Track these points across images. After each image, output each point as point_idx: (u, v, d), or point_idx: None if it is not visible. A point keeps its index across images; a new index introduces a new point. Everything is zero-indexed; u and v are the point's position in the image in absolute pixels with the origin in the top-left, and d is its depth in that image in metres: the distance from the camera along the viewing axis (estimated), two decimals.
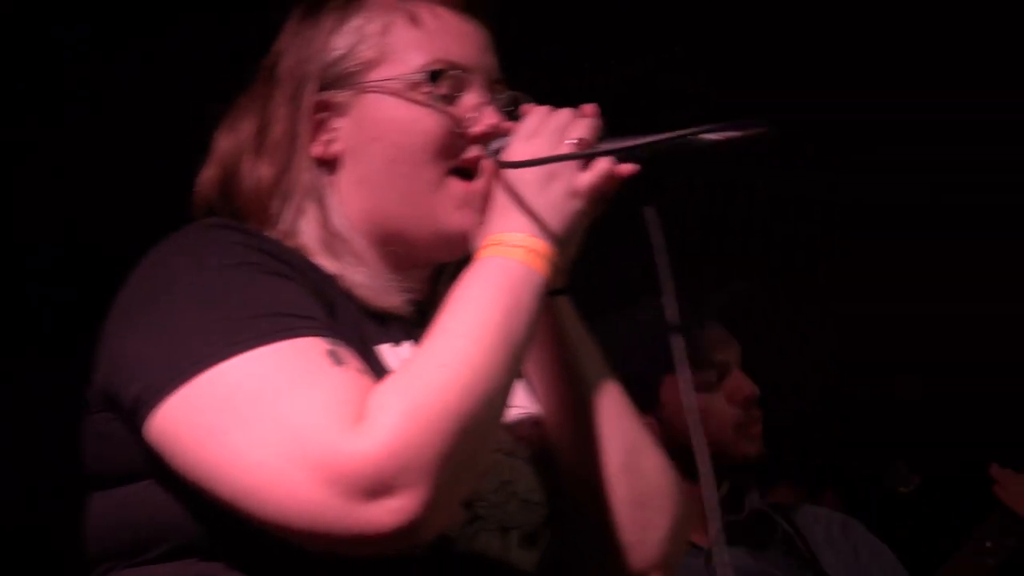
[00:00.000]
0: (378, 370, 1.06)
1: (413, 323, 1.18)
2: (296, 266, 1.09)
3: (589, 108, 1.15)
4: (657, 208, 1.12)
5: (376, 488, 0.91)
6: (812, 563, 2.11)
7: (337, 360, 0.99)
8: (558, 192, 1.09)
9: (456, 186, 1.16)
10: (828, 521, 2.24)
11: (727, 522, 2.11)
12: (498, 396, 1.02)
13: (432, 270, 1.23)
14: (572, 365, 1.21)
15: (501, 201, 1.12)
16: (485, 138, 1.17)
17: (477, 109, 1.17)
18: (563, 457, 1.22)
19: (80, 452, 1.10)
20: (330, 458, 0.92)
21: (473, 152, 1.16)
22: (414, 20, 1.18)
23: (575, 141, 1.11)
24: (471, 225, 1.15)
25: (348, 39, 1.17)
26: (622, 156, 1.11)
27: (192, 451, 0.97)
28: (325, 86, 1.17)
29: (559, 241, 1.10)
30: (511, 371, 1.04)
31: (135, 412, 1.00)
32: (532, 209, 1.09)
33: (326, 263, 1.14)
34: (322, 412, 0.94)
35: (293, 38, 1.20)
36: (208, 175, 1.20)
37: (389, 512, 0.92)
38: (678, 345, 1.12)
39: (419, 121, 1.15)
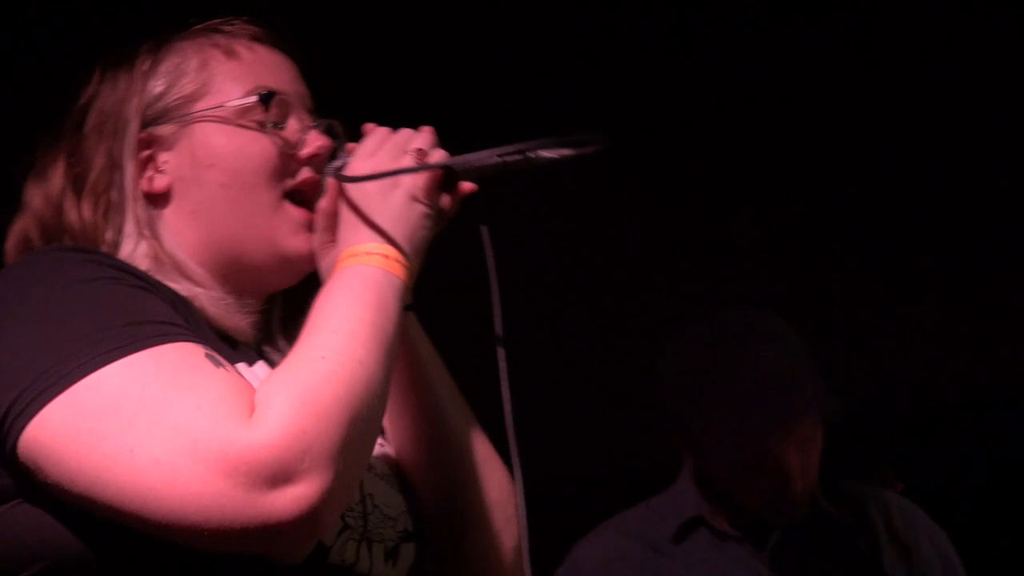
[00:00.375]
0: None
1: (256, 350, 1.20)
2: (151, 283, 1.09)
3: (427, 127, 1.19)
4: (491, 226, 1.16)
5: (277, 476, 0.91)
6: (873, 566, 2.01)
7: (216, 362, 0.99)
8: (400, 199, 1.13)
9: (292, 210, 1.19)
10: (888, 511, 2.11)
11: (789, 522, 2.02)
12: (379, 388, 1.03)
13: (266, 301, 1.24)
14: (421, 379, 1.24)
15: (348, 216, 1.14)
16: (315, 160, 1.20)
17: (302, 132, 1.20)
18: (415, 472, 1.24)
19: None
20: (227, 449, 0.91)
21: (305, 174, 1.20)
22: (230, 53, 1.21)
23: (414, 152, 1.15)
24: (309, 248, 1.19)
25: (166, 77, 1.19)
26: (460, 169, 1.15)
27: (77, 459, 0.93)
28: (147, 123, 1.18)
29: (408, 245, 1.13)
30: (387, 367, 1.05)
31: (4, 428, 0.96)
32: (379, 219, 1.13)
33: (174, 287, 1.15)
34: (212, 406, 0.93)
35: (103, 86, 1.21)
36: (22, 226, 1.19)
37: (292, 500, 0.91)
38: (502, 360, 1.14)
39: (251, 145, 1.17)
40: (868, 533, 2.03)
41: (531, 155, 1.11)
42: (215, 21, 1.24)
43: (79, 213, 1.16)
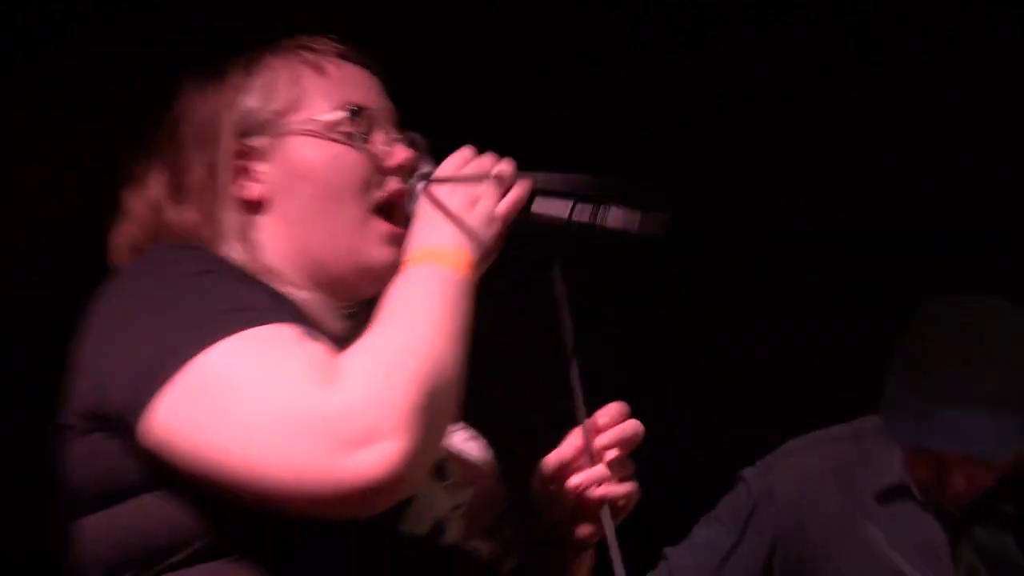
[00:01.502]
0: None
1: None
2: (250, 279, 1.17)
3: (508, 159, 1.24)
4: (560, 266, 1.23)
5: (359, 437, 0.99)
6: None
7: (306, 337, 1.07)
8: (481, 214, 1.19)
9: (379, 224, 1.24)
10: None
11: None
12: (452, 369, 1.10)
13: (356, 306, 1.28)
14: None
15: (427, 217, 1.21)
16: (401, 170, 1.25)
17: (388, 145, 1.26)
18: None
19: (62, 478, 1.14)
20: (314, 417, 1.00)
21: (392, 185, 1.25)
22: (319, 70, 1.26)
23: (496, 176, 1.21)
24: (394, 260, 1.22)
25: (259, 92, 1.25)
26: (541, 193, 1.22)
27: (189, 442, 1.03)
28: (242, 135, 1.24)
29: (479, 257, 1.19)
30: (460, 355, 1.12)
31: (125, 420, 1.05)
32: (459, 225, 1.19)
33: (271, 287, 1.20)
34: (301, 377, 1.02)
35: (194, 98, 1.26)
36: (128, 231, 1.26)
37: (374, 460, 0.99)
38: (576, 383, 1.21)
39: (342, 157, 1.23)
40: None
41: (599, 222, 1.19)
42: (303, 39, 1.29)
43: (180, 217, 1.23)
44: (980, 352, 1.95)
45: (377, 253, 1.23)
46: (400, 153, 1.25)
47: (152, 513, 1.08)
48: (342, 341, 1.16)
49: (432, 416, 1.05)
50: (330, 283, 1.24)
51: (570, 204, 1.21)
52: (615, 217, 1.19)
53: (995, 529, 2.07)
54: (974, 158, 3.10)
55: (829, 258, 3.21)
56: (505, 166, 1.22)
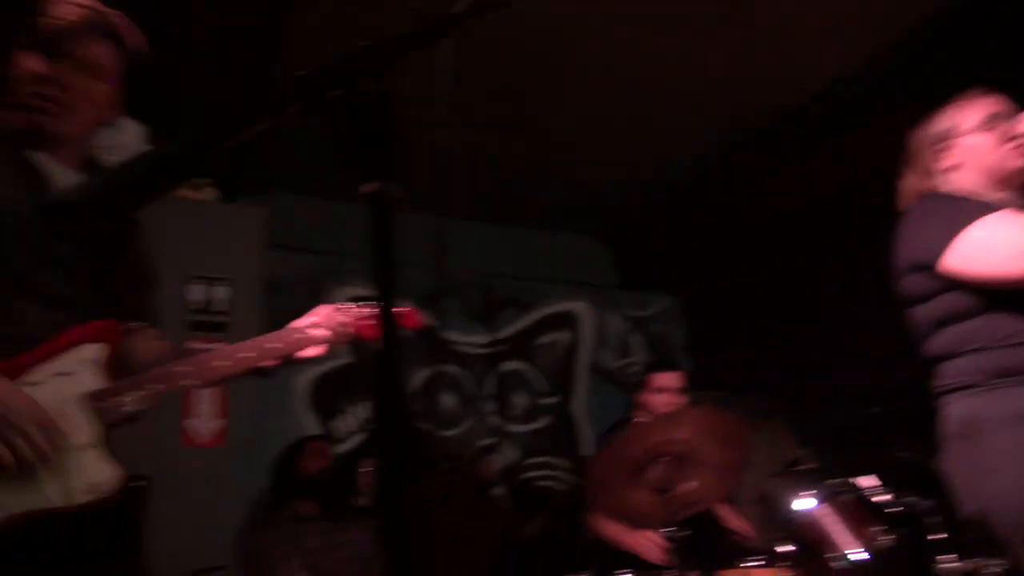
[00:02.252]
0: None
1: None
2: (973, 200, 2.67)
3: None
4: None
5: None
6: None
7: (1010, 212, 2.61)
8: None
9: (1013, 152, 2.79)
10: None
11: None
12: None
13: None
14: None
15: None
16: (1016, 139, 2.75)
17: (1009, 126, 2.80)
18: None
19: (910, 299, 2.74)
20: None
21: (1009, 146, 2.78)
22: (972, 105, 2.85)
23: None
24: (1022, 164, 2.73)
25: (945, 121, 2.86)
26: None
27: (968, 267, 2.53)
28: (940, 140, 2.85)
29: None
30: None
31: (929, 263, 2.58)
32: None
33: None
34: (1019, 228, 2.50)
35: (918, 132, 2.87)
36: (905, 192, 2.86)
37: None
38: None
39: (989, 139, 2.79)
40: None
41: None
42: (967, 95, 2.88)
43: (932, 182, 2.86)
44: None
45: (1015, 163, 2.75)
46: (1012, 129, 2.76)
47: (946, 300, 2.61)
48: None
49: None
50: (1002, 187, 2.76)
51: None
52: None
53: None
54: None
55: None
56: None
